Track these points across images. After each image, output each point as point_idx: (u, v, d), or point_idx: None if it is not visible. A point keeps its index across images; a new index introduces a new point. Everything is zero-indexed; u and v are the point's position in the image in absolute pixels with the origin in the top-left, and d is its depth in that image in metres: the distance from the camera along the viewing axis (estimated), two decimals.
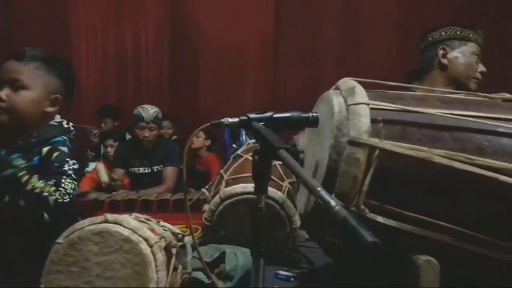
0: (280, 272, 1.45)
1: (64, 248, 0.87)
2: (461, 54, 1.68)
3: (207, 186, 1.94)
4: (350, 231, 0.53)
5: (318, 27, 4.04)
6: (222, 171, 1.80)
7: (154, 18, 4.22)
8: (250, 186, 1.56)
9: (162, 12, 4.20)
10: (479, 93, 1.05)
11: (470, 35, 1.70)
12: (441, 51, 1.70)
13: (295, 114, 0.91)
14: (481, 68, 1.67)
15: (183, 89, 4.20)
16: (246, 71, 4.12)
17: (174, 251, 0.97)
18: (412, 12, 3.74)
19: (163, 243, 0.91)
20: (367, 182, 0.85)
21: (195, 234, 1.75)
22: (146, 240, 0.88)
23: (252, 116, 0.88)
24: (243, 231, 1.47)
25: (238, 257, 1.34)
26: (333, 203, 0.59)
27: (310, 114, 0.91)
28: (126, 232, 0.88)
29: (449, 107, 0.93)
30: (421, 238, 0.86)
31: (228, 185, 1.64)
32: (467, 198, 0.86)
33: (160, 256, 0.88)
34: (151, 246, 0.87)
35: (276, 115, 0.89)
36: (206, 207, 1.64)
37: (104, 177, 2.73)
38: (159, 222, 1.14)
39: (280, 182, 1.69)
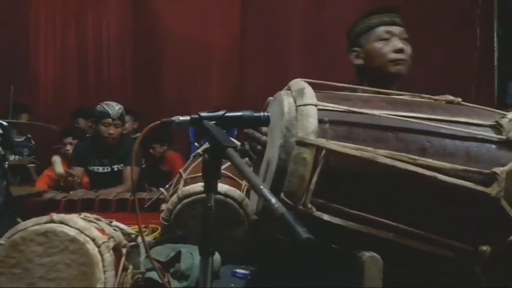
0: (238, 270, 1.46)
1: (6, 250, 0.84)
2: (369, 47, 1.55)
3: (167, 186, 1.93)
4: (287, 227, 0.55)
5: (283, 26, 4.08)
6: (181, 170, 1.80)
7: (117, 12, 4.13)
8: None
9: (124, 6, 4.11)
10: (424, 95, 1.09)
11: (373, 21, 1.57)
12: (353, 54, 1.60)
13: (247, 113, 0.92)
14: (394, 46, 1.51)
15: (146, 86, 4.13)
16: (211, 68, 4.11)
17: (124, 250, 0.95)
18: None
19: (111, 243, 0.89)
20: (314, 181, 0.87)
21: (155, 233, 1.74)
22: (93, 240, 0.86)
23: (203, 114, 0.88)
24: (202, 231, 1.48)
25: (194, 256, 1.34)
26: (273, 200, 0.60)
27: (262, 114, 0.92)
28: (72, 232, 0.86)
29: (394, 108, 0.97)
30: (365, 235, 0.89)
31: (186, 184, 1.64)
32: (409, 196, 0.89)
33: (108, 256, 0.87)
34: (98, 246, 0.86)
35: (227, 114, 0.90)
36: (164, 206, 1.63)
37: (59, 168, 2.61)
38: (111, 222, 1.12)
39: (240, 181, 1.71)
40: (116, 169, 2.80)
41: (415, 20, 3.55)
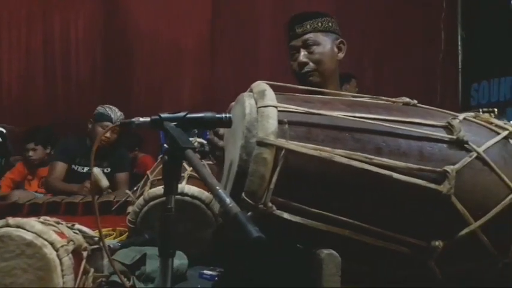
0: (205, 271, 1.46)
1: None
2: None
3: (135, 188, 1.91)
4: (239, 226, 0.56)
5: (254, 25, 4.10)
6: (148, 172, 1.79)
7: (86, 12, 4.04)
8: None
9: (93, 5, 4.03)
10: (382, 97, 1.13)
11: (290, 34, 1.59)
12: None
13: (209, 114, 0.93)
14: (298, 60, 1.54)
15: (116, 87, 4.07)
16: (182, 68, 4.08)
17: (84, 254, 0.94)
18: (346, 15, 3.92)
19: (71, 247, 0.88)
20: (274, 180, 0.89)
21: (123, 236, 1.73)
22: (51, 244, 0.85)
23: (164, 115, 0.89)
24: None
25: None
26: (227, 201, 0.62)
27: (224, 115, 0.93)
28: (29, 236, 0.85)
29: (352, 110, 1.00)
30: (324, 233, 0.91)
31: (153, 186, 1.63)
32: (365, 194, 0.92)
33: (67, 260, 0.86)
34: (56, 250, 0.85)
35: (189, 115, 0.91)
36: (130, 209, 1.62)
37: (105, 181, 2.49)
38: (73, 225, 1.11)
39: None
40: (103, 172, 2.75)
41: (382, 24, 3.65)
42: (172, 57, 4.06)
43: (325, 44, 1.55)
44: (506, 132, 1.04)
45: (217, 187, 0.63)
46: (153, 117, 0.89)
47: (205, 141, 1.52)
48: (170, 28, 4.04)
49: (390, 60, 3.75)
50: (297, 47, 1.55)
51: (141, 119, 0.88)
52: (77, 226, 1.11)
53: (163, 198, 1.58)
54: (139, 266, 1.32)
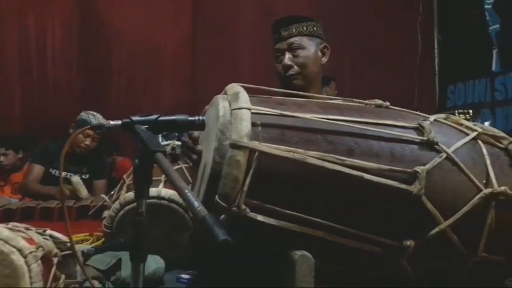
0: (183, 275, 1.45)
1: None
2: None
3: (112, 192, 1.88)
4: (206, 229, 0.56)
5: (235, 27, 4.10)
6: (125, 176, 1.76)
7: (62, 13, 3.96)
8: (151, 191, 1.54)
9: (69, 6, 3.96)
10: (355, 100, 1.15)
11: (275, 37, 1.60)
12: None
13: (181, 117, 0.92)
14: (282, 63, 1.54)
15: (94, 90, 4.00)
16: (162, 71, 4.04)
17: (55, 260, 0.92)
18: (324, 18, 3.95)
19: (40, 253, 0.86)
20: (247, 182, 0.89)
21: (99, 241, 1.70)
22: (19, 250, 0.83)
23: (135, 118, 0.88)
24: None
25: None
26: (196, 204, 0.61)
27: (197, 118, 0.93)
28: None
29: (325, 112, 1.01)
30: (298, 234, 0.91)
31: (129, 189, 1.61)
32: (338, 195, 0.93)
33: (36, 266, 0.84)
34: (25, 257, 0.83)
35: (161, 118, 0.90)
36: (106, 213, 1.60)
37: (84, 191, 2.47)
38: (44, 231, 1.08)
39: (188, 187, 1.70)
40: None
41: (360, 27, 3.70)
42: (152, 59, 4.01)
43: (310, 48, 1.56)
44: (475, 133, 1.06)
45: (185, 190, 0.63)
46: (124, 120, 0.88)
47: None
48: (150, 29, 3.99)
49: (368, 63, 3.80)
50: (282, 50, 1.56)
51: (112, 122, 0.87)
52: (49, 232, 1.09)
53: None
54: (114, 271, 1.30)
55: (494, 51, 3.82)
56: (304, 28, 1.58)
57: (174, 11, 4.06)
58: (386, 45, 3.86)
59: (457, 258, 0.98)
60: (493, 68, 3.84)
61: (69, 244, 1.10)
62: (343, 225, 0.92)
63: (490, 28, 3.84)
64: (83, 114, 2.69)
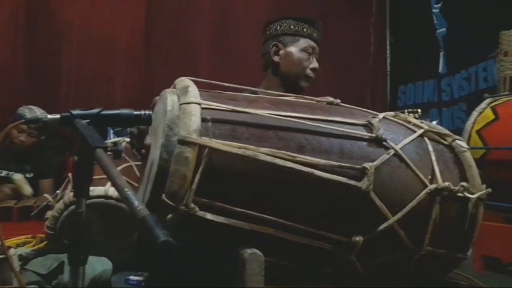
0: (132, 277, 1.41)
1: None
2: (292, 52, 1.59)
3: (57, 192, 1.79)
4: (146, 230, 0.53)
5: (191, 21, 4.01)
6: (70, 174, 1.68)
7: (5, 1, 3.71)
8: (99, 190, 1.48)
9: None
10: (307, 97, 1.15)
11: (304, 30, 1.61)
12: (273, 48, 1.61)
13: (126, 111, 0.88)
14: (313, 64, 1.60)
15: (41, 83, 3.77)
16: (114, 64, 3.87)
17: None
18: (283, 15, 3.97)
19: None
20: (196, 180, 0.86)
21: (42, 244, 1.60)
22: None
23: (75, 112, 0.83)
24: (91, 238, 1.39)
25: None
26: (135, 203, 0.58)
27: (143, 112, 0.89)
28: None
29: (277, 108, 1.00)
30: (248, 232, 0.90)
31: None
32: (288, 192, 0.92)
33: None
34: None
35: (104, 112, 0.85)
36: (49, 213, 1.51)
37: (28, 189, 2.32)
38: None
39: (137, 185, 1.64)
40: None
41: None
42: (103, 52, 3.83)
43: None
44: (421, 131, 1.09)
45: (125, 189, 0.59)
46: (63, 114, 0.82)
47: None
48: (100, 20, 3.81)
49: (323, 63, 3.86)
50: (312, 50, 1.61)
51: (50, 116, 0.82)
52: None
53: (87, 202, 1.51)
54: (56, 275, 1.23)
55: (441, 54, 4.00)
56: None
57: (128, 3, 3.92)
58: (341, 45, 3.94)
59: (403, 253, 1.00)
60: (440, 69, 4.02)
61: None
62: (294, 222, 0.91)
63: (438, 31, 4.02)
64: (20, 109, 2.55)
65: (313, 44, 1.62)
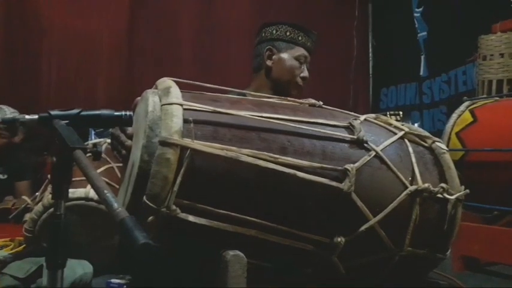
0: (113, 280, 1.39)
1: None
2: (285, 58, 1.63)
3: (36, 194, 1.76)
4: (125, 232, 0.52)
5: (175, 20, 3.99)
6: (50, 176, 1.65)
7: None
8: (79, 192, 1.46)
9: None
10: (289, 98, 1.15)
11: (299, 38, 1.66)
12: (267, 52, 1.64)
13: (106, 112, 0.87)
14: (304, 73, 1.65)
15: (20, 82, 3.69)
16: (97, 63, 3.81)
17: None
18: (261, 20, 3.97)
19: None
20: (178, 182, 0.85)
21: (20, 247, 1.57)
22: None
23: (54, 112, 0.82)
24: (71, 241, 1.37)
25: None
26: (115, 206, 0.57)
27: (123, 113, 0.88)
28: None
29: (259, 109, 1.00)
30: (231, 234, 0.89)
31: None
32: (271, 193, 0.92)
33: None
34: None
35: (84, 112, 0.84)
36: (28, 216, 1.48)
37: None
38: None
39: (118, 187, 1.62)
40: None
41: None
42: (85, 50, 3.77)
43: None
44: (402, 133, 1.11)
45: (105, 191, 0.58)
46: (41, 114, 0.81)
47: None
48: (83, 18, 3.75)
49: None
50: (304, 59, 1.65)
51: (27, 117, 0.80)
52: None
53: (67, 204, 1.49)
54: (34, 279, 1.21)
55: (422, 57, 4.08)
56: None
57: (111, 2, 3.86)
58: (324, 48, 3.96)
59: (384, 253, 1.01)
60: (421, 72, 4.10)
61: None
62: (276, 223, 0.91)
63: (419, 35, 4.10)
64: None
65: (306, 53, 1.66)
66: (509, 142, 1.70)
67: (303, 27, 1.69)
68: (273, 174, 0.90)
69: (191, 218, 0.88)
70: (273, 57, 1.65)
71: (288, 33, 1.66)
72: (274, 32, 1.68)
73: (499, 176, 1.76)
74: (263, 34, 1.71)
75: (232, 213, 0.89)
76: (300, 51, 1.66)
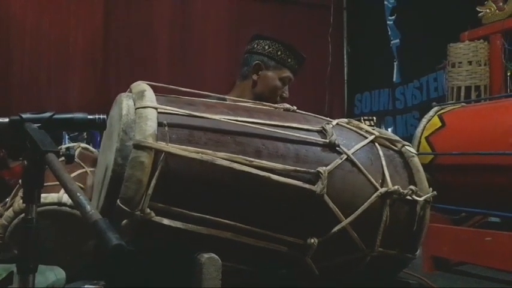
0: (87, 286, 1.37)
1: None
2: (271, 77, 1.70)
3: (7, 199, 1.71)
4: (98, 234, 0.52)
5: (150, 24, 3.96)
6: (21, 180, 1.61)
7: None
8: (51, 197, 1.43)
9: None
10: (265, 103, 1.17)
11: (289, 60, 1.71)
12: (256, 67, 1.70)
13: (80, 115, 0.87)
14: (285, 94, 1.73)
15: None
16: (70, 67, 3.75)
17: None
18: (237, 26, 4.00)
19: None
20: (152, 185, 0.86)
21: None
22: None
23: (26, 116, 0.81)
24: (43, 246, 1.34)
25: None
26: (88, 208, 0.57)
27: (97, 116, 0.88)
28: None
29: (234, 114, 1.01)
30: (206, 237, 0.90)
31: None
32: (245, 196, 0.94)
33: None
34: None
35: (56, 116, 0.83)
36: None
37: None
38: None
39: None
40: None
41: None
42: (58, 54, 3.69)
43: None
44: (372, 137, 1.14)
45: (77, 193, 0.58)
46: (12, 117, 0.80)
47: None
48: (55, 20, 3.68)
49: None
50: (288, 81, 1.70)
51: None
52: None
53: (38, 209, 1.46)
54: (5, 286, 1.18)
55: (395, 64, 4.19)
56: None
57: (86, 4, 3.81)
58: None
59: (356, 254, 1.04)
60: (394, 79, 4.20)
61: None
62: (251, 225, 0.93)
63: (392, 42, 4.21)
64: None
65: (291, 75, 1.72)
66: (476, 146, 1.78)
67: (295, 50, 1.74)
68: (247, 177, 0.91)
69: (166, 221, 0.88)
70: (260, 72, 1.70)
71: (279, 53, 1.71)
72: (266, 47, 1.72)
73: (466, 178, 1.83)
74: (255, 46, 1.74)
75: (207, 216, 0.90)
76: (286, 73, 1.72)
